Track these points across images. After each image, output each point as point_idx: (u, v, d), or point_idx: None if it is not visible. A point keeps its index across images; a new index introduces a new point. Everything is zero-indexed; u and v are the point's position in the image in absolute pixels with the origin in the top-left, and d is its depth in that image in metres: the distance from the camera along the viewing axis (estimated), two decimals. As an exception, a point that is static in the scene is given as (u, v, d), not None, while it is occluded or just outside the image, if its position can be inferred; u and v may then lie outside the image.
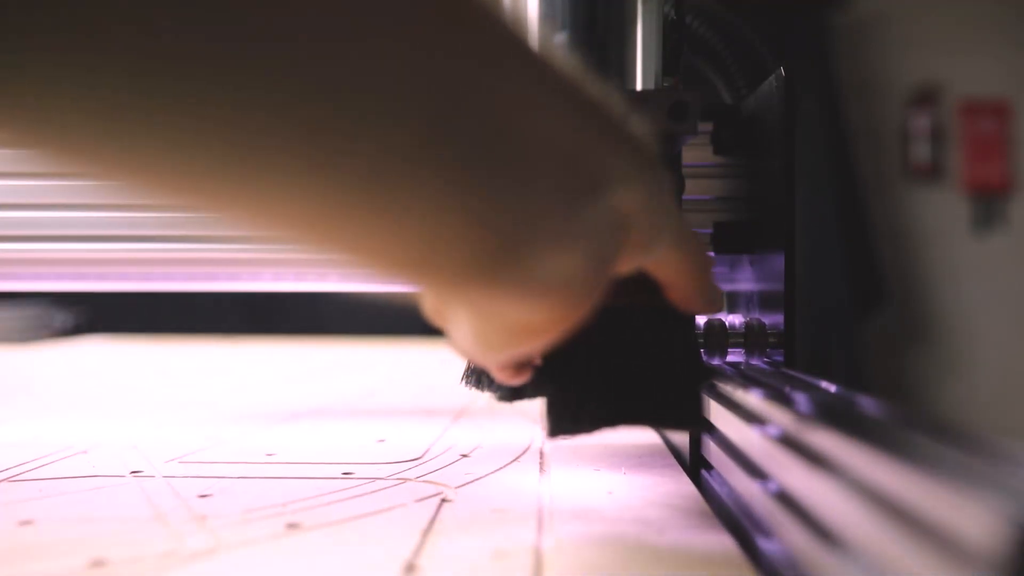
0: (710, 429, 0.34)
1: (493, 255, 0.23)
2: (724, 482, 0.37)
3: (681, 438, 0.44)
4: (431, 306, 0.29)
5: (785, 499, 0.27)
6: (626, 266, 0.27)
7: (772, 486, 0.28)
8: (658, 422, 0.34)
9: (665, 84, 0.40)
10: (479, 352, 0.28)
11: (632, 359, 0.31)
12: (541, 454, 0.46)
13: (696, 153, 0.47)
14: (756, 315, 0.44)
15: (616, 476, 0.40)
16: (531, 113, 0.23)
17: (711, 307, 0.32)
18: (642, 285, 0.30)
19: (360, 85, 0.18)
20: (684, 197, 0.42)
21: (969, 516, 0.16)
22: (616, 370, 0.31)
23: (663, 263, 0.29)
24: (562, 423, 0.31)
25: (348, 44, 0.18)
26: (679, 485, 0.38)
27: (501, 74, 0.22)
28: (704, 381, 0.34)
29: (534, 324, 0.25)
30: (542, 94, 0.23)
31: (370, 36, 0.18)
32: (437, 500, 0.36)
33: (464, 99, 0.21)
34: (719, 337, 0.43)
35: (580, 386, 0.31)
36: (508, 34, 0.22)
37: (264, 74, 0.17)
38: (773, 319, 0.41)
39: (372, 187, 0.20)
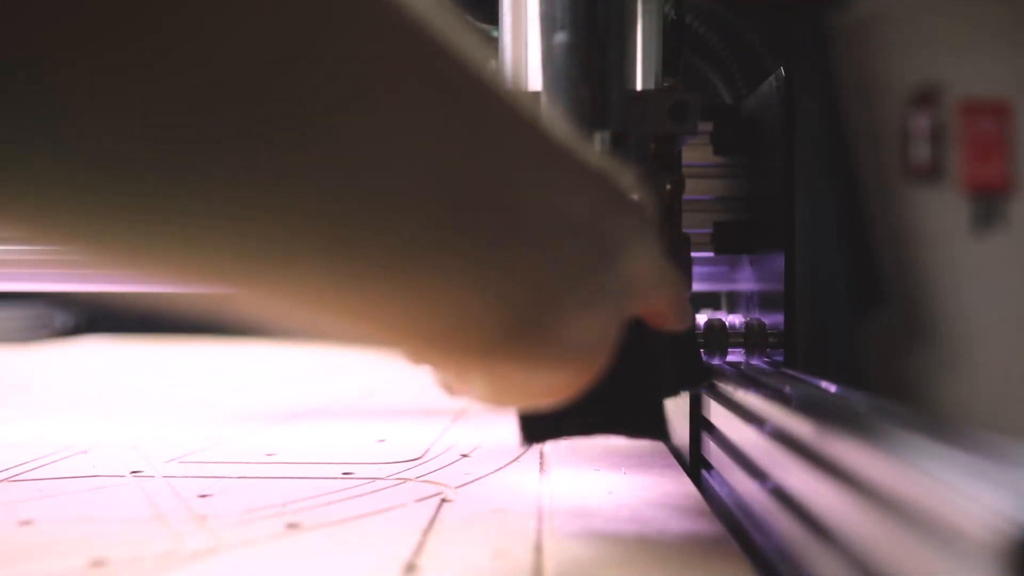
0: (667, 438, 0.34)
1: (517, 328, 0.23)
2: (724, 482, 0.37)
3: (681, 438, 0.44)
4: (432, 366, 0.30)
5: (784, 498, 0.27)
6: (630, 314, 0.28)
7: (771, 486, 0.28)
8: (624, 431, 0.34)
9: (665, 84, 0.40)
10: (493, 405, 0.29)
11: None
12: (541, 454, 0.45)
13: (696, 153, 0.47)
14: (756, 315, 0.44)
15: (616, 476, 0.40)
16: (546, 187, 0.24)
17: (682, 324, 0.32)
18: None
19: (385, 176, 0.19)
20: (684, 197, 0.42)
21: (969, 516, 0.16)
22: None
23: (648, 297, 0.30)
24: (534, 432, 0.32)
25: (380, 143, 0.19)
26: (679, 485, 0.38)
27: (515, 153, 0.23)
28: (678, 389, 0.35)
29: (555, 387, 0.27)
30: (554, 169, 0.24)
31: (396, 132, 0.19)
32: (437, 500, 0.36)
33: (482, 180, 0.21)
34: (719, 337, 0.43)
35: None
36: (517, 111, 0.23)
37: (313, 180, 0.18)
38: (773, 319, 0.41)
39: (395, 271, 0.21)
